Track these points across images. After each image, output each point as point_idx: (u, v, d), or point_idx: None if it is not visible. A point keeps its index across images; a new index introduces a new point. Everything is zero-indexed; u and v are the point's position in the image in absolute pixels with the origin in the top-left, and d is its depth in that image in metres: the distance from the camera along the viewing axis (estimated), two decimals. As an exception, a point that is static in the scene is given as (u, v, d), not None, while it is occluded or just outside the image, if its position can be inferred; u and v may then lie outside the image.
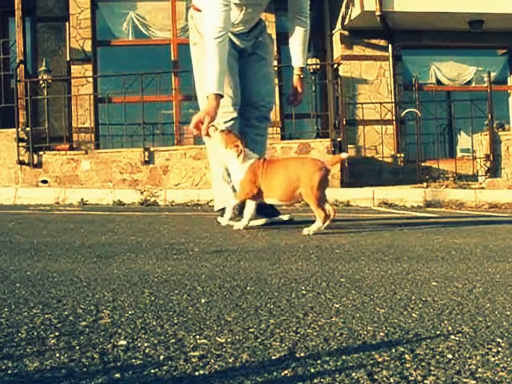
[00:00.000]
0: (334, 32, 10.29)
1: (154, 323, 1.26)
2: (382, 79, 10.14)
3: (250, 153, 3.26)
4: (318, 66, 9.83)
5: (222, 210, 3.63)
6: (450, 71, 10.68)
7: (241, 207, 3.41)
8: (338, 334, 1.18)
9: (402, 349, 1.09)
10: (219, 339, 1.14)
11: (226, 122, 3.48)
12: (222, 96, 3.22)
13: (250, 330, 1.21)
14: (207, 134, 3.21)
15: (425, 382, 0.93)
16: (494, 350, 1.09)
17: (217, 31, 3.20)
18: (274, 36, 9.57)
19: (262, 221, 3.56)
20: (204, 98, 3.38)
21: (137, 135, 8.46)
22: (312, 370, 0.97)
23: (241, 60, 3.65)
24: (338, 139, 8.10)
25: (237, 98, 3.55)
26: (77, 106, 9.26)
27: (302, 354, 1.05)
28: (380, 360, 1.02)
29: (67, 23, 9.67)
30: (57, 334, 1.17)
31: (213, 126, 3.20)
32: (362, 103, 9.76)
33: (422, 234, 3.17)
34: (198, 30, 3.53)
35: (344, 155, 3.75)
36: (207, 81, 3.23)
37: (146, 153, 7.91)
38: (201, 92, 3.54)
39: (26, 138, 8.02)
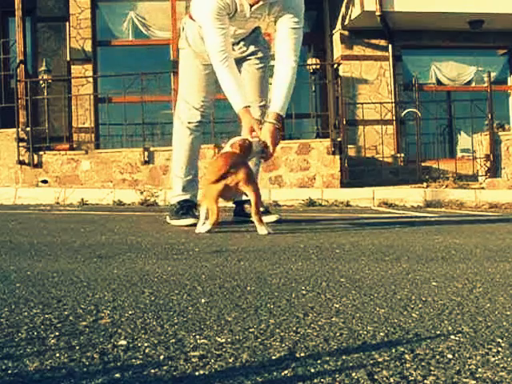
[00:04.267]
0: (334, 32, 10.29)
1: (154, 323, 1.26)
2: (382, 79, 10.13)
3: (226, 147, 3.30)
4: (318, 66, 9.84)
5: (173, 206, 3.79)
6: (450, 71, 10.68)
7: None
8: (338, 334, 1.18)
9: (402, 349, 1.09)
10: (219, 339, 1.14)
11: (190, 123, 3.69)
12: (249, 106, 3.32)
13: (250, 329, 1.21)
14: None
15: (425, 381, 0.93)
16: (494, 350, 1.09)
17: (220, 55, 3.31)
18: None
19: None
20: (183, 99, 3.71)
21: (137, 135, 8.46)
22: (312, 370, 0.97)
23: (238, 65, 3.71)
24: (338, 139, 8.10)
25: (206, 103, 3.69)
26: (77, 106, 9.25)
27: (302, 354, 1.05)
28: (380, 360, 1.02)
29: (67, 23, 9.66)
30: (57, 333, 1.17)
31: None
32: (362, 103, 9.75)
33: (421, 234, 3.17)
34: (187, 37, 3.68)
35: None
36: (232, 101, 3.32)
37: (146, 153, 7.91)
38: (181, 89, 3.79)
39: (26, 138, 8.01)
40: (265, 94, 3.79)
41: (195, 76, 3.67)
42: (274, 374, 0.95)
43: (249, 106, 3.32)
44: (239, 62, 3.70)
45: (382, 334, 1.19)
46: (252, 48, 3.70)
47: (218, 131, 8.13)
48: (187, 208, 3.70)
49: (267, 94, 3.80)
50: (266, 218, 3.43)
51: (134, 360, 1.02)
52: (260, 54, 3.73)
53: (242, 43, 3.68)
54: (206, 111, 3.73)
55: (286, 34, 3.35)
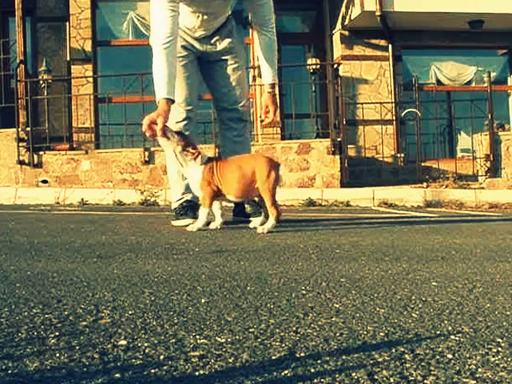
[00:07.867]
0: (334, 32, 10.29)
1: (154, 323, 1.26)
2: (382, 79, 10.14)
3: (206, 154, 3.32)
4: (318, 66, 9.84)
5: (175, 209, 3.79)
6: (450, 71, 10.68)
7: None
8: (338, 334, 1.18)
9: (402, 349, 1.09)
10: (219, 339, 1.14)
11: (177, 122, 3.59)
12: (173, 101, 3.21)
13: (250, 329, 1.21)
14: (163, 135, 3.18)
15: (425, 381, 0.93)
16: (494, 350, 1.09)
17: (164, 37, 3.22)
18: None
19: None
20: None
21: (137, 135, 8.45)
22: (312, 370, 0.97)
23: (212, 64, 3.71)
24: (338, 139, 8.10)
25: (190, 98, 3.58)
26: (77, 106, 9.25)
27: (302, 354, 1.05)
28: (380, 360, 1.02)
29: (67, 23, 9.67)
30: (57, 333, 1.17)
31: (171, 131, 3.21)
32: (362, 103, 9.75)
33: (421, 234, 3.17)
34: None
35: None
36: (157, 87, 3.23)
37: (146, 153, 7.91)
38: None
39: (26, 137, 8.01)
40: (244, 94, 3.78)
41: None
42: (274, 374, 0.95)
43: (172, 102, 3.20)
44: (214, 62, 3.69)
45: (382, 334, 1.19)
46: (227, 41, 3.67)
47: (218, 131, 8.13)
48: (188, 208, 3.70)
49: (248, 93, 3.80)
50: (256, 220, 3.45)
51: (134, 360, 1.02)
52: (235, 52, 3.70)
53: (216, 36, 3.64)
54: (192, 107, 3.62)
55: (256, 7, 3.46)
